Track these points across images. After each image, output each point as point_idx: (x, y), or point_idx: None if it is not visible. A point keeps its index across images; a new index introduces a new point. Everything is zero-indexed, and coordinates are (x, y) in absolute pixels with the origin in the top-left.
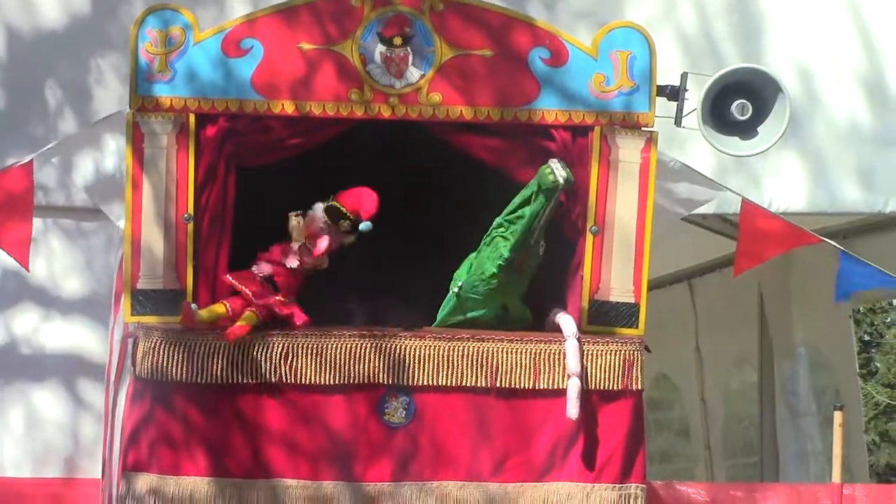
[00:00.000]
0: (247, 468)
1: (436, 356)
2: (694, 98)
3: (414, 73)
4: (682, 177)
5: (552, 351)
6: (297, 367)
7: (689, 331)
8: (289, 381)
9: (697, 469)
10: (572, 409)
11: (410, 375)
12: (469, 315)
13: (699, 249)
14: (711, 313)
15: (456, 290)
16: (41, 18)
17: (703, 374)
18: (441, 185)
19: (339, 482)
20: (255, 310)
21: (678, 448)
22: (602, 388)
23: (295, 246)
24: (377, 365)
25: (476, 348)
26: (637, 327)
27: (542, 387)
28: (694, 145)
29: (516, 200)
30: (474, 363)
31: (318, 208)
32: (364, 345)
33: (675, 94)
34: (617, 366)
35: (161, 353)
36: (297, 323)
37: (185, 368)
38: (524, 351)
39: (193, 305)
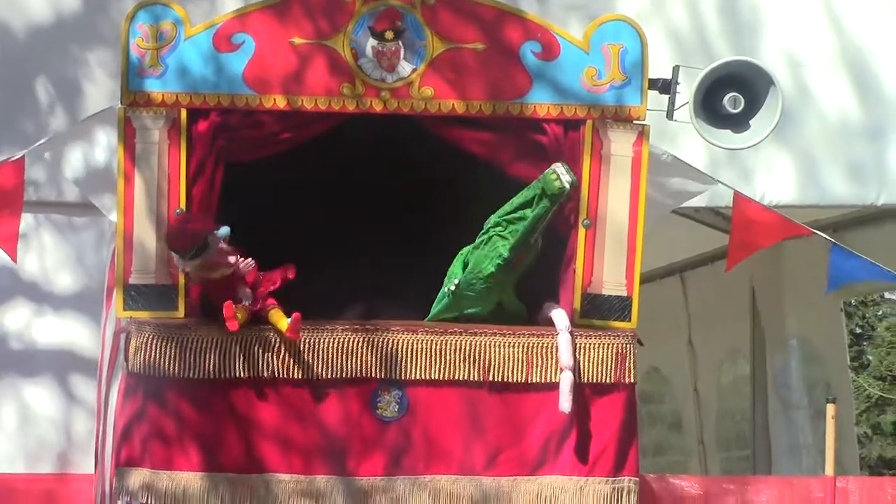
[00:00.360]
0: (240, 463)
1: (428, 350)
2: (686, 91)
3: (406, 67)
4: (674, 170)
5: (545, 344)
6: (289, 361)
7: (681, 324)
8: (281, 375)
9: (691, 462)
10: (565, 402)
11: (403, 369)
12: (465, 312)
13: (691, 243)
14: (703, 306)
15: (452, 288)
16: (31, 14)
17: (695, 367)
18: (433, 178)
19: (332, 476)
20: (245, 308)
21: (671, 441)
22: (595, 381)
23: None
24: (369, 359)
25: (468, 342)
26: (630, 321)
27: (534, 380)
28: (686, 139)
29: (516, 201)
30: (467, 357)
31: (180, 264)
32: (356, 339)
33: (666, 87)
34: (609, 359)
35: (153, 348)
36: (291, 275)
37: (177, 363)
38: (517, 344)
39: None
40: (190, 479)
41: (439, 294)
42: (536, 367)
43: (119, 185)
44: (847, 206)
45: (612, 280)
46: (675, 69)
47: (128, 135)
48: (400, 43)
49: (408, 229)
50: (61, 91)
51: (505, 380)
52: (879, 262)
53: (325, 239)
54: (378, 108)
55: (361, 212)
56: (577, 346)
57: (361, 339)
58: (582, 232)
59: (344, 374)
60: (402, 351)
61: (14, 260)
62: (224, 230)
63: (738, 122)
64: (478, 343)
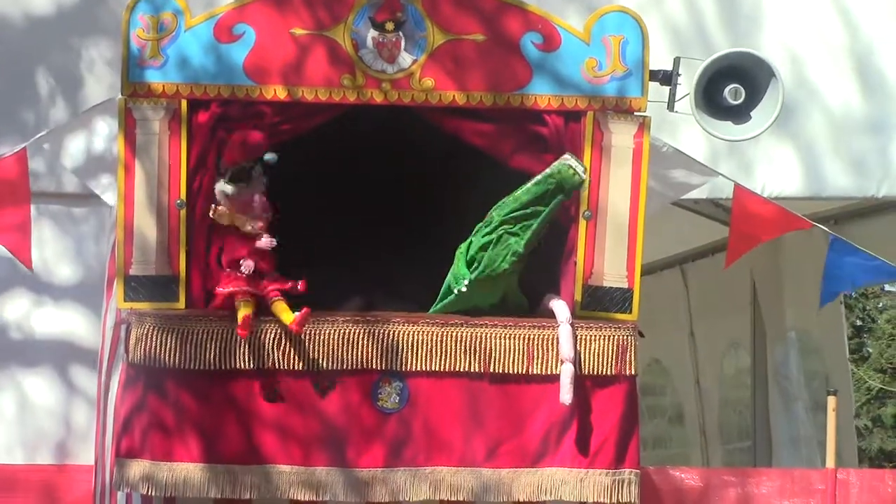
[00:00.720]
0: (240, 454)
1: (429, 341)
2: (686, 83)
3: (406, 59)
4: (674, 161)
5: (545, 336)
6: (290, 352)
7: (681, 316)
8: (282, 367)
9: (692, 454)
10: (566, 394)
11: (404, 361)
12: (470, 305)
13: (691, 234)
14: (704, 298)
15: (463, 289)
16: (32, 6)
17: (696, 358)
18: (434, 170)
19: (332, 468)
20: (245, 298)
21: (671, 433)
22: (595, 373)
23: (248, 230)
24: (370, 350)
25: (469, 334)
26: (630, 312)
27: (535, 372)
28: (686, 130)
29: (523, 198)
30: (468, 348)
31: (219, 185)
32: (357, 330)
33: (667, 78)
34: (610, 351)
35: (154, 339)
36: (301, 288)
37: (178, 355)
38: (517, 336)
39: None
40: (190, 471)
41: (443, 292)
42: (537, 358)
43: (119, 175)
44: (848, 198)
45: (612, 272)
46: (676, 60)
47: (128, 126)
48: (400, 34)
49: (408, 221)
50: (62, 82)
51: (505, 371)
52: (880, 255)
53: (325, 231)
54: (378, 99)
55: (361, 203)
56: (578, 337)
57: (362, 331)
58: (583, 224)
59: (345, 366)
60: (402, 342)
61: (30, 268)
62: (271, 155)
63: (738, 114)
64: (478, 335)
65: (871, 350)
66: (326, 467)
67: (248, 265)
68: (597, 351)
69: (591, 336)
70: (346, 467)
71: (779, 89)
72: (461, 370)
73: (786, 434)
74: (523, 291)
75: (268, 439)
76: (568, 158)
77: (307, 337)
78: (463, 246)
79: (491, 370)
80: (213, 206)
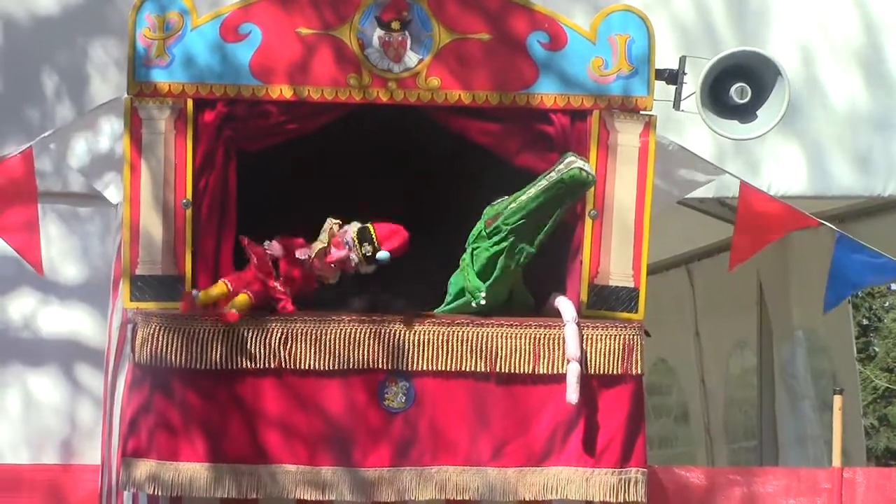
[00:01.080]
0: (246, 454)
1: (435, 341)
2: (692, 81)
3: (412, 58)
4: (680, 160)
5: (552, 335)
6: (296, 352)
7: (687, 315)
8: (288, 366)
9: (698, 453)
10: (572, 393)
11: (410, 360)
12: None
13: (697, 234)
14: (710, 297)
15: (482, 302)
16: (37, 5)
17: (702, 358)
18: (440, 169)
19: (338, 468)
20: (249, 293)
21: (677, 433)
22: (602, 372)
23: (316, 245)
24: (376, 350)
25: (475, 333)
26: (637, 312)
27: (541, 371)
28: (693, 129)
29: (532, 205)
30: (474, 348)
31: (353, 225)
32: (363, 330)
33: (673, 77)
34: (617, 350)
35: (160, 339)
36: (288, 309)
37: (184, 354)
38: (524, 336)
39: (194, 292)
40: (196, 470)
41: (452, 295)
42: (543, 358)
43: (125, 175)
44: (855, 196)
45: (619, 271)
46: (682, 59)
47: (134, 125)
48: (406, 33)
49: (414, 220)
50: (67, 82)
51: (512, 371)
52: (887, 253)
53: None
54: (384, 98)
55: (367, 202)
56: (584, 337)
57: (368, 331)
58: (588, 223)
59: (351, 366)
60: (408, 342)
61: (41, 273)
62: (385, 254)
63: (744, 113)
64: (485, 334)
65: (877, 349)
66: (332, 467)
67: (273, 247)
68: (603, 350)
69: (597, 335)
70: (353, 467)
71: (785, 88)
72: (467, 370)
73: (792, 433)
74: (529, 290)
75: (274, 439)
76: (575, 161)
77: (313, 337)
78: (466, 256)
79: (497, 370)
80: (336, 220)
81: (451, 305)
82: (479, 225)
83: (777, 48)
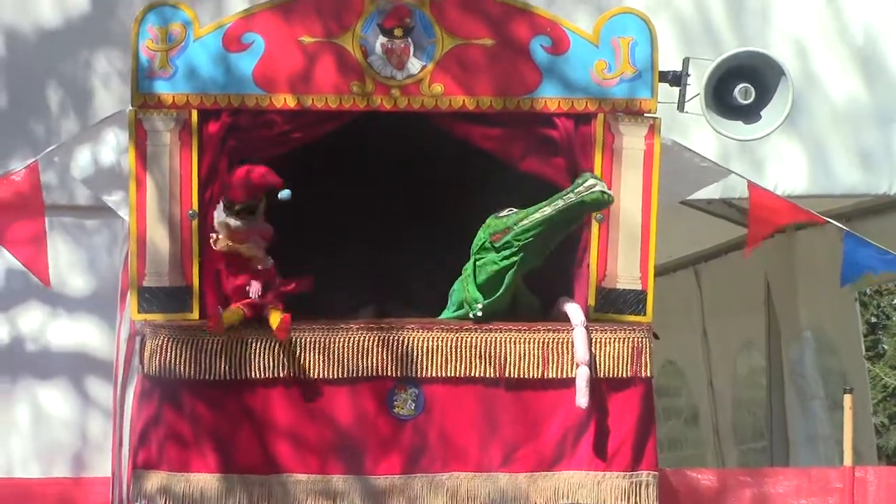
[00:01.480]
0: (256, 464)
1: (444, 348)
2: (696, 83)
3: (415, 65)
4: (685, 159)
5: (560, 340)
6: (304, 361)
7: (695, 317)
8: (296, 375)
9: (707, 455)
10: (582, 397)
11: (418, 367)
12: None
13: (704, 235)
14: (717, 298)
15: (479, 314)
16: (40, 17)
17: (710, 359)
18: (445, 176)
19: (349, 476)
20: (242, 307)
21: (687, 434)
22: (611, 375)
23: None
24: (385, 357)
25: (484, 339)
26: (645, 314)
27: (550, 376)
28: (697, 131)
29: (545, 224)
30: (482, 354)
31: (221, 217)
32: (371, 338)
33: (677, 79)
34: (625, 353)
35: (169, 350)
36: (308, 286)
37: (192, 366)
38: (532, 341)
39: (220, 309)
40: (207, 481)
41: (455, 304)
42: (552, 362)
43: (131, 187)
44: (859, 195)
45: (626, 274)
46: (686, 61)
47: (139, 137)
48: (409, 40)
49: (418, 226)
50: (71, 94)
51: (521, 376)
52: (893, 250)
53: (335, 237)
54: (388, 105)
55: (371, 209)
56: (593, 340)
57: (376, 338)
58: (595, 226)
59: (359, 374)
60: (417, 349)
61: (47, 285)
62: (286, 192)
63: (748, 113)
64: (493, 340)
65: (886, 347)
66: (343, 475)
67: (255, 289)
68: (612, 353)
69: (605, 339)
70: (363, 475)
71: (789, 88)
72: (476, 376)
73: (803, 433)
74: (536, 295)
75: (284, 448)
76: (597, 183)
77: (321, 345)
78: (469, 266)
79: (506, 375)
80: (213, 235)
81: (451, 316)
82: (483, 235)
83: (778, 47)
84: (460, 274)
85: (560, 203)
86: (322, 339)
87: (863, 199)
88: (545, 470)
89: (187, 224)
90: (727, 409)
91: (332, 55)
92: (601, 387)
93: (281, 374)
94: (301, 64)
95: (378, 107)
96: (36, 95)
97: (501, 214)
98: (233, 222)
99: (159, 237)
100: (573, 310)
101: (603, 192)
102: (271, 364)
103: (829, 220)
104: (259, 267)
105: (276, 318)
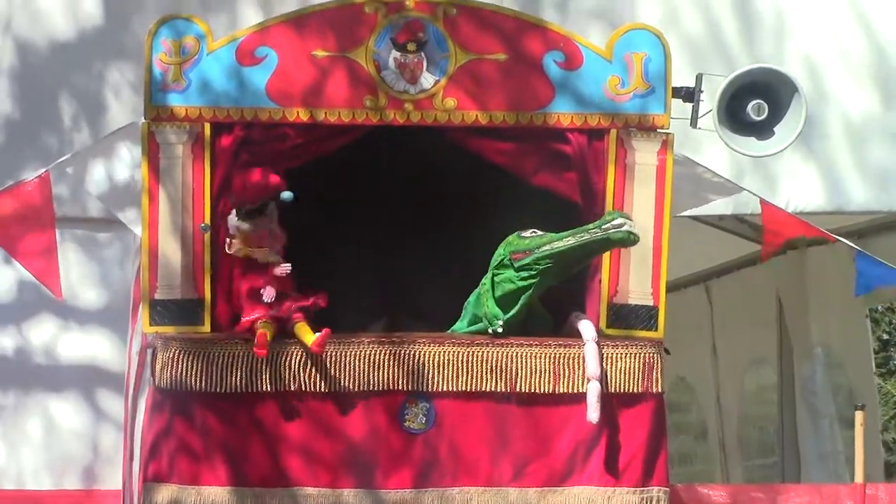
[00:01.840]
0: (267, 477)
1: (455, 362)
2: (709, 99)
3: (428, 79)
4: (698, 176)
5: (571, 355)
6: (316, 374)
7: (705, 333)
8: (308, 389)
9: (715, 471)
10: (593, 412)
11: (430, 381)
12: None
13: (716, 251)
14: (728, 315)
15: (499, 329)
16: (54, 30)
17: (718, 375)
18: (457, 191)
19: (359, 490)
20: (267, 320)
21: (696, 450)
22: (622, 391)
23: (260, 260)
24: (396, 371)
25: (495, 353)
26: (656, 330)
27: (562, 391)
28: (710, 147)
29: (566, 254)
30: (494, 369)
31: (233, 221)
32: (383, 352)
33: (690, 95)
34: (637, 369)
35: (180, 363)
36: (322, 303)
37: (204, 378)
38: (543, 355)
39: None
40: (217, 494)
41: (468, 318)
42: (564, 377)
43: (143, 200)
44: (872, 212)
45: (638, 290)
46: (699, 77)
47: (151, 150)
48: (422, 54)
49: (430, 241)
50: (84, 106)
51: (532, 391)
52: None
53: (348, 252)
54: (401, 120)
55: (383, 223)
56: (604, 356)
57: (388, 352)
58: None
59: (371, 387)
60: (428, 363)
61: (59, 297)
62: (288, 193)
63: (762, 130)
64: (505, 354)
65: None
66: (354, 489)
67: (269, 293)
68: (623, 369)
69: (617, 354)
70: (374, 489)
71: (802, 104)
72: (487, 390)
73: (814, 450)
74: (548, 309)
75: (295, 462)
76: (625, 223)
77: (333, 359)
78: (487, 281)
79: (517, 390)
80: (227, 240)
81: (466, 330)
82: (503, 251)
83: (791, 64)
84: (473, 287)
85: (585, 237)
86: (333, 353)
87: (876, 216)
88: (555, 485)
89: (199, 237)
90: (733, 424)
91: (345, 69)
92: (612, 402)
93: (292, 388)
94: (314, 78)
95: (391, 121)
96: (49, 107)
97: (525, 234)
98: (242, 224)
99: (171, 250)
100: (585, 325)
101: (629, 233)
102: (283, 377)
103: (839, 238)
104: (275, 273)
105: (304, 331)
